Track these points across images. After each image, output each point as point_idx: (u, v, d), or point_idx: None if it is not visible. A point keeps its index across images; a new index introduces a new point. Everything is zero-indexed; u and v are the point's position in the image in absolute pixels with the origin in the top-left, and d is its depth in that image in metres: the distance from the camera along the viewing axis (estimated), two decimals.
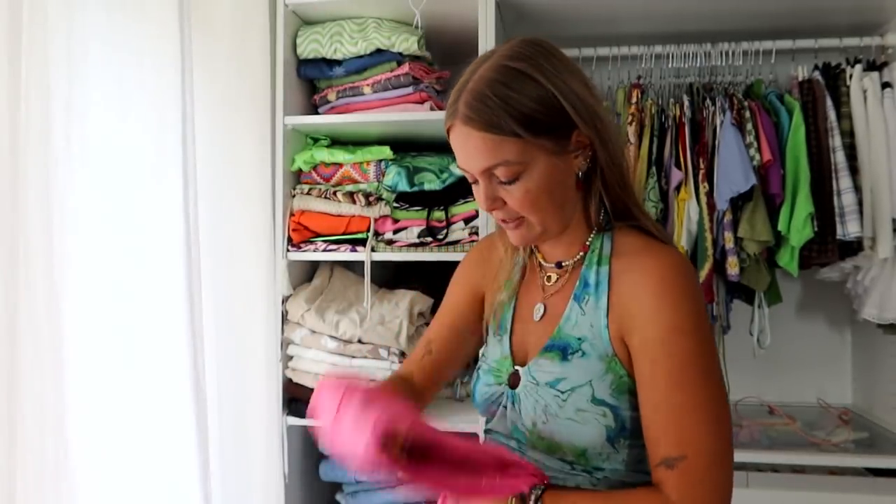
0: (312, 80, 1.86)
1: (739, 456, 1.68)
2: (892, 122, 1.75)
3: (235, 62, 1.59)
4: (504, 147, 0.81)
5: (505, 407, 0.91)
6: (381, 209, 1.73)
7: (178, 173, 1.29)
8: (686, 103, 1.84)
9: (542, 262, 0.96)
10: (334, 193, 1.74)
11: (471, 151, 0.83)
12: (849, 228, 1.73)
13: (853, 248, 1.77)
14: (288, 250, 1.74)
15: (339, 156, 1.76)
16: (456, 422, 1.65)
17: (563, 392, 0.84)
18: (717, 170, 1.77)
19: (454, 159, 0.92)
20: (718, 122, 1.80)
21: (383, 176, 1.76)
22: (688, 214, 1.78)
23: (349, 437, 0.74)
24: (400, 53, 1.73)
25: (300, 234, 1.75)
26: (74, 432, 1.05)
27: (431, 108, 1.73)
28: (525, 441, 0.89)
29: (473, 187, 0.89)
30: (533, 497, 0.77)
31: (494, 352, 0.96)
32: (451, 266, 1.73)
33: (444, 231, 1.71)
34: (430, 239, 1.71)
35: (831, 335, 2.14)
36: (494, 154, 0.82)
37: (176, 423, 1.29)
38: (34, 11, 0.99)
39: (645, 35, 1.95)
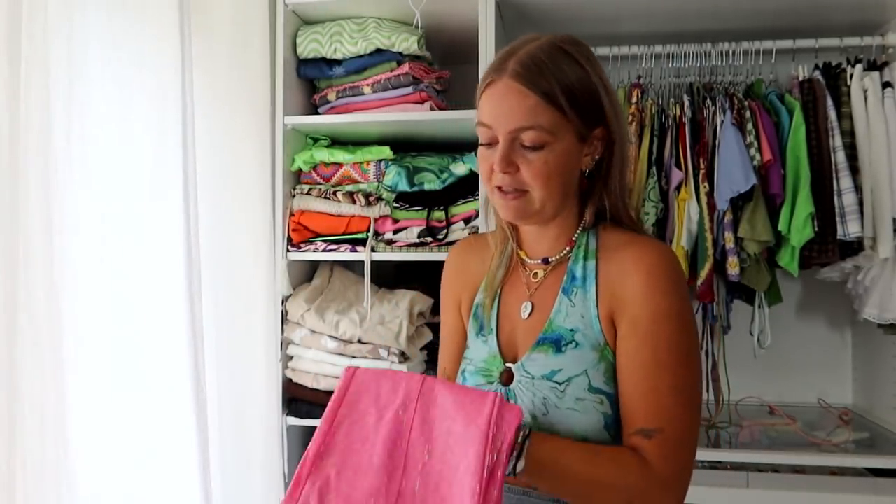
0: (312, 79, 1.86)
1: (739, 456, 1.69)
2: (893, 122, 1.75)
3: (235, 62, 1.59)
4: (542, 113, 0.84)
5: None
6: (381, 209, 1.73)
7: (178, 173, 1.29)
8: (686, 103, 1.84)
9: (526, 259, 0.97)
10: (334, 193, 1.74)
11: (509, 107, 0.85)
12: (849, 228, 1.72)
13: (853, 248, 1.76)
14: (288, 250, 1.74)
15: (339, 156, 1.76)
16: None
17: (560, 383, 0.86)
18: (718, 170, 1.77)
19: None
20: (719, 121, 1.80)
21: (383, 176, 1.76)
22: (688, 214, 1.77)
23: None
24: (400, 53, 1.73)
25: (300, 234, 1.75)
26: (74, 432, 1.05)
27: (431, 108, 1.73)
28: None
29: (482, 151, 0.89)
30: (521, 436, 0.77)
31: (480, 352, 0.96)
32: None
33: (444, 231, 1.71)
34: (430, 239, 1.71)
35: (832, 335, 2.14)
36: (532, 116, 0.84)
37: (176, 422, 1.29)
38: (34, 11, 0.98)
39: (645, 35, 1.95)
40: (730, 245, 1.76)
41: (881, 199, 1.74)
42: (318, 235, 1.76)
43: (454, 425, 0.75)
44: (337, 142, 1.86)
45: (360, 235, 1.73)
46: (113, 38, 1.19)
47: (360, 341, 1.67)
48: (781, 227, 1.74)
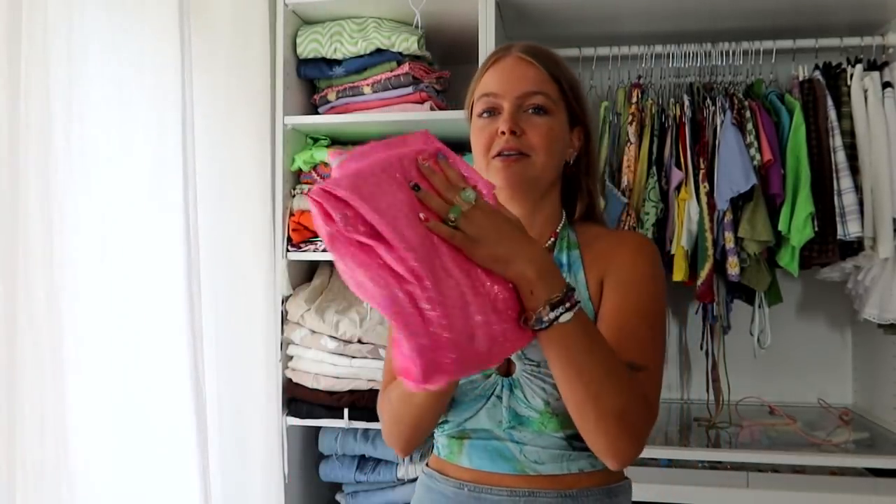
0: (312, 79, 1.86)
1: (739, 456, 1.68)
2: (893, 122, 1.75)
3: (235, 62, 1.59)
4: (549, 84, 0.92)
5: (499, 397, 0.89)
6: None
7: (178, 173, 1.29)
8: (686, 103, 1.84)
9: None
10: None
11: (519, 75, 0.92)
12: (849, 228, 1.72)
13: (854, 247, 1.76)
14: (288, 250, 1.74)
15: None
16: None
17: (549, 370, 0.85)
18: (718, 170, 1.77)
19: None
20: (719, 121, 1.80)
21: None
22: (688, 214, 1.77)
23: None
24: (400, 53, 1.73)
25: (300, 233, 1.75)
26: (74, 432, 1.05)
27: (431, 108, 1.73)
28: (532, 424, 0.87)
29: (481, 123, 0.93)
30: (572, 302, 0.74)
31: None
32: None
33: None
34: None
35: (832, 335, 2.14)
36: (541, 84, 0.92)
37: (176, 423, 1.29)
38: (34, 11, 0.99)
39: (645, 35, 1.95)
40: (730, 245, 1.76)
41: (881, 199, 1.74)
42: (318, 235, 1.76)
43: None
44: (337, 142, 1.86)
45: None
46: (113, 38, 1.19)
47: (360, 341, 1.67)
48: (781, 227, 1.74)
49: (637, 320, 0.87)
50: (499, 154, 0.89)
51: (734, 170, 1.72)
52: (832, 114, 1.77)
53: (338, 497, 1.83)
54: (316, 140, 1.84)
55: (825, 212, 1.74)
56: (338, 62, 1.79)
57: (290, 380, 1.74)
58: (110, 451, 1.15)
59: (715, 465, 1.71)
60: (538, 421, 0.87)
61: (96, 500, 1.11)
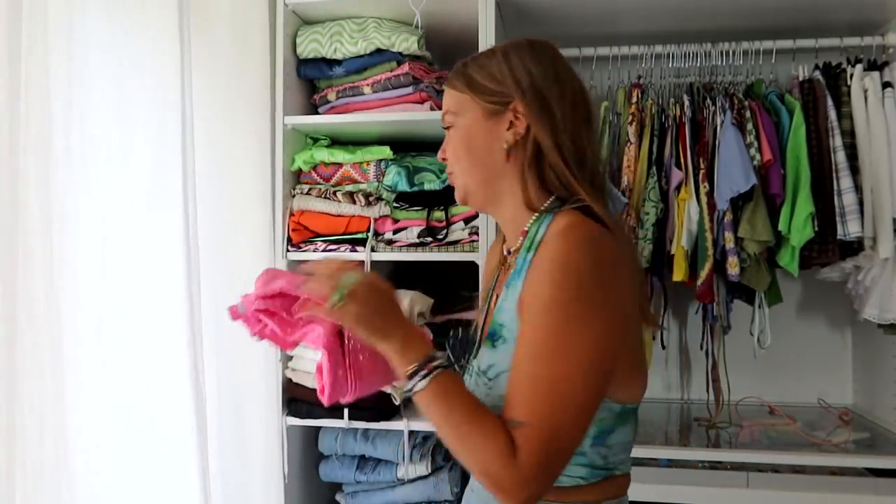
0: (312, 79, 1.86)
1: (739, 456, 1.68)
2: (893, 122, 1.75)
3: (235, 62, 1.59)
4: (450, 98, 0.97)
5: None
6: (381, 209, 1.73)
7: (178, 173, 1.29)
8: (686, 103, 1.84)
9: (507, 253, 0.97)
10: (334, 193, 1.74)
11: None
12: (849, 228, 1.72)
13: (854, 248, 1.76)
14: (288, 250, 1.74)
15: (339, 156, 1.76)
16: None
17: (490, 379, 0.86)
18: (718, 170, 1.77)
19: None
20: (719, 121, 1.80)
21: (383, 176, 1.76)
22: (688, 214, 1.77)
23: None
24: (400, 53, 1.73)
25: (300, 233, 1.75)
26: (74, 432, 1.05)
27: (431, 108, 1.73)
28: None
29: None
30: (437, 363, 0.81)
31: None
32: (451, 266, 1.73)
33: (444, 231, 1.71)
34: (430, 239, 1.71)
35: (832, 335, 2.14)
36: (445, 104, 0.97)
37: (176, 423, 1.29)
38: (34, 11, 0.98)
39: (645, 34, 1.95)
40: (730, 245, 1.76)
41: (881, 199, 1.74)
42: (318, 235, 1.76)
43: None
44: (337, 142, 1.86)
45: (360, 235, 1.73)
46: (112, 38, 1.19)
47: None
48: (781, 227, 1.74)
49: (531, 364, 0.78)
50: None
51: (734, 170, 1.72)
52: (832, 114, 1.77)
53: (338, 497, 1.83)
54: (316, 140, 1.84)
55: (825, 212, 1.74)
56: (338, 62, 1.79)
57: (290, 380, 1.74)
58: (110, 451, 1.15)
59: (715, 465, 1.71)
60: None
61: (96, 501, 1.11)
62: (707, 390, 1.95)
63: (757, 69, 1.90)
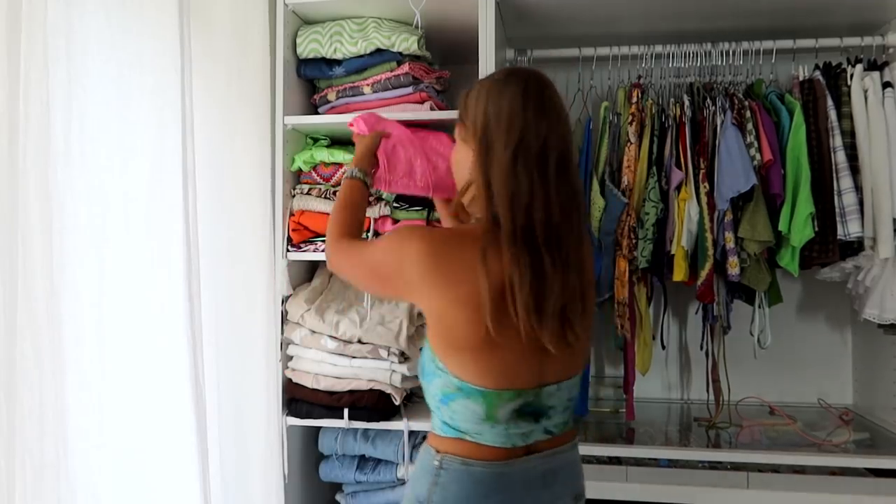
0: (312, 79, 1.85)
1: (740, 456, 1.69)
2: (893, 122, 1.75)
3: (235, 62, 1.59)
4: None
5: None
6: (381, 209, 1.73)
7: (178, 173, 1.28)
8: (686, 103, 1.84)
9: None
10: (334, 193, 1.74)
11: None
12: (850, 228, 1.72)
13: (854, 248, 1.76)
14: (288, 250, 1.74)
15: (339, 156, 1.76)
16: None
17: None
18: (718, 170, 1.77)
19: None
20: (719, 121, 1.80)
21: None
22: (688, 214, 1.77)
23: None
24: (400, 53, 1.73)
25: (300, 234, 1.75)
26: (74, 432, 1.05)
27: (431, 108, 1.73)
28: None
29: None
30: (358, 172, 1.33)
31: None
32: None
33: None
34: None
35: (832, 335, 2.14)
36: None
37: (176, 423, 1.28)
38: (33, 11, 0.98)
39: (645, 35, 1.95)
40: (730, 245, 1.76)
41: (881, 199, 1.74)
42: (318, 236, 1.76)
43: None
44: (337, 142, 1.86)
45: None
46: (112, 37, 1.19)
47: (360, 341, 1.67)
48: (782, 227, 1.74)
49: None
50: None
51: (734, 170, 1.72)
52: (832, 114, 1.77)
53: (338, 497, 1.83)
54: (316, 140, 1.84)
55: (825, 212, 1.74)
56: (338, 62, 1.79)
57: (289, 380, 1.74)
58: (110, 452, 1.15)
59: (715, 466, 1.71)
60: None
61: (96, 501, 1.11)
62: (707, 390, 1.95)
63: (757, 69, 1.90)
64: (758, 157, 1.75)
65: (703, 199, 1.77)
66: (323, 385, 1.69)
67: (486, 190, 1.01)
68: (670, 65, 1.92)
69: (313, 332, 1.69)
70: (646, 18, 1.92)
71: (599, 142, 1.91)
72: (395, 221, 1.74)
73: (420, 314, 1.75)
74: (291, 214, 1.75)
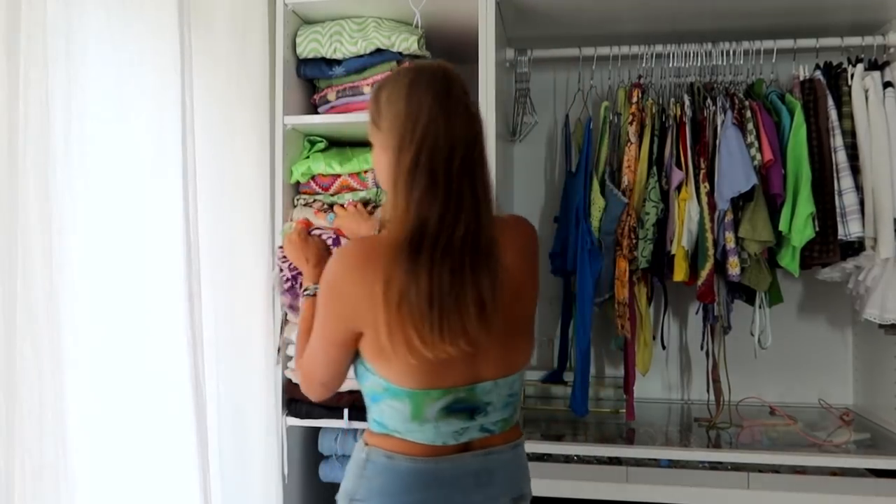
0: (312, 79, 1.85)
1: (740, 457, 1.68)
2: (894, 122, 1.75)
3: (235, 62, 1.59)
4: None
5: None
6: (380, 215, 1.74)
7: (178, 173, 1.28)
8: (687, 103, 1.84)
9: None
10: (331, 206, 1.74)
11: None
12: (850, 228, 1.72)
13: (854, 248, 1.76)
14: None
15: (337, 167, 1.75)
16: None
17: None
18: (718, 169, 1.77)
19: None
20: (719, 121, 1.80)
21: None
22: (688, 214, 1.77)
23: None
24: (400, 53, 1.73)
25: None
26: (74, 432, 1.05)
27: None
28: None
29: None
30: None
31: None
32: None
33: None
34: None
35: (833, 335, 2.14)
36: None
37: (176, 423, 1.29)
38: (33, 10, 0.98)
39: (645, 35, 1.95)
40: (730, 245, 1.76)
41: (882, 199, 1.74)
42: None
43: None
44: (336, 142, 1.86)
45: None
46: (112, 37, 1.19)
47: None
48: (782, 227, 1.74)
49: None
50: None
51: (735, 170, 1.72)
52: (833, 113, 1.77)
53: (338, 497, 1.82)
54: (313, 143, 1.83)
55: (826, 212, 1.74)
56: (338, 62, 1.79)
57: (289, 380, 1.74)
58: (110, 451, 1.15)
59: (715, 466, 1.71)
60: None
61: (96, 501, 1.11)
62: (707, 390, 1.95)
63: (757, 69, 1.90)
64: (758, 156, 1.75)
65: (704, 198, 1.77)
66: None
67: (392, 194, 1.00)
68: (670, 65, 1.91)
69: None
70: (646, 18, 1.92)
71: (600, 142, 1.90)
72: None
73: None
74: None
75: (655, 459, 1.72)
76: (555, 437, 1.84)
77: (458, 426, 1.02)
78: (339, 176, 1.77)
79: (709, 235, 1.76)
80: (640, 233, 1.82)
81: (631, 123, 1.84)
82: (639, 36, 1.94)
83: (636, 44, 1.92)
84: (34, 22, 0.98)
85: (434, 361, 0.97)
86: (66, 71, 1.06)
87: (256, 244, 1.65)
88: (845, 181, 1.74)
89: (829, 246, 1.75)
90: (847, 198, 1.73)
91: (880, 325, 1.83)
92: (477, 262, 0.97)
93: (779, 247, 1.78)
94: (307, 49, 1.79)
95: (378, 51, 1.73)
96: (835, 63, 1.86)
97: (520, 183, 2.22)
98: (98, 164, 1.14)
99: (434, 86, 1.00)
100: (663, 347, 2.08)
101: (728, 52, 1.88)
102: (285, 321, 1.73)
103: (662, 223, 1.83)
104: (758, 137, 1.76)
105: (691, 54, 1.90)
